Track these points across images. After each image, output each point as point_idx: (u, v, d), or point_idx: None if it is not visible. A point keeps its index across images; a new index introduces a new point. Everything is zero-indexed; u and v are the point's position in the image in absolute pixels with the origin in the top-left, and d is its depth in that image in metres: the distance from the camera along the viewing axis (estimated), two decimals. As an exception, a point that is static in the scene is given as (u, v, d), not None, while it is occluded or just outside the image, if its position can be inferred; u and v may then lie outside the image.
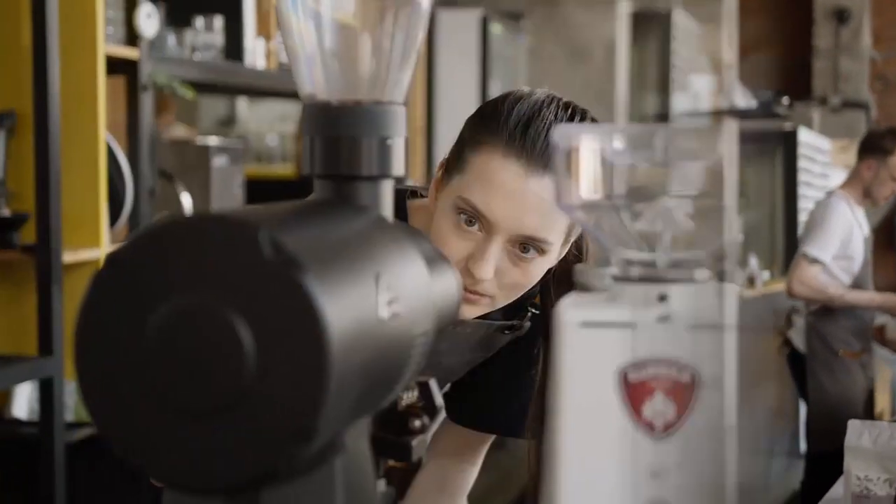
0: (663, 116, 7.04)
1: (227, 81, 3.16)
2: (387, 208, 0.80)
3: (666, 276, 0.69)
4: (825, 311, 4.29)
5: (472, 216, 1.20)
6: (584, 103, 1.32)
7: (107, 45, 2.58)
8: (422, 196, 1.38)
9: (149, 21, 2.65)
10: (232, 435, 0.60)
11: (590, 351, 0.68)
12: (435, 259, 0.86)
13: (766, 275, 5.90)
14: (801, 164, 6.77)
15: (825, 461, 4.15)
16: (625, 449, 0.66)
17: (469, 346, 1.37)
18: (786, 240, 6.90)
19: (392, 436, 0.77)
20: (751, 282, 5.73)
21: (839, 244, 4.17)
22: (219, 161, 3.04)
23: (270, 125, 5.59)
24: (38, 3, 2.36)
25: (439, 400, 0.80)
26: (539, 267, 1.23)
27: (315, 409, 0.59)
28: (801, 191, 6.80)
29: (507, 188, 1.19)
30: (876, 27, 9.70)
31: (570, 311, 0.69)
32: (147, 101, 2.68)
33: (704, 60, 7.41)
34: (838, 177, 8.07)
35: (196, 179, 3.05)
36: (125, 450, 0.62)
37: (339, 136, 0.78)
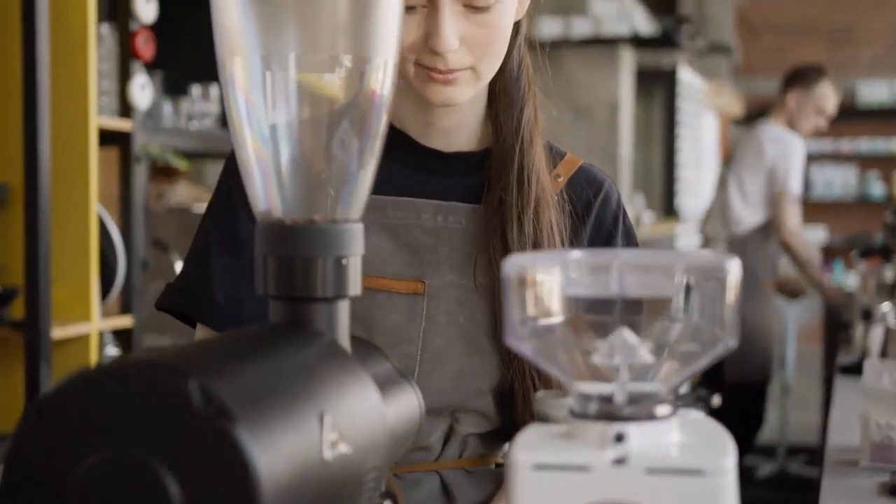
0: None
1: (223, 150, 3.16)
2: (342, 329, 0.77)
3: (624, 414, 0.66)
4: (749, 238, 4.30)
5: None
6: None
7: (100, 116, 2.57)
8: None
9: (143, 92, 2.64)
10: None
11: (543, 495, 0.65)
12: (393, 380, 0.83)
13: (650, 215, 6.00)
14: (679, 103, 6.88)
15: (741, 392, 4.14)
16: None
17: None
18: (664, 181, 6.96)
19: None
20: (637, 222, 5.79)
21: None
22: (215, 229, 3.01)
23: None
24: (29, 73, 2.36)
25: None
26: (504, 13, 1.14)
27: (242, 573, 0.56)
28: (677, 131, 6.93)
29: None
30: None
31: (523, 453, 0.66)
32: (140, 173, 2.67)
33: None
34: (710, 118, 8.19)
35: (193, 247, 3.02)
36: None
37: (293, 256, 0.76)
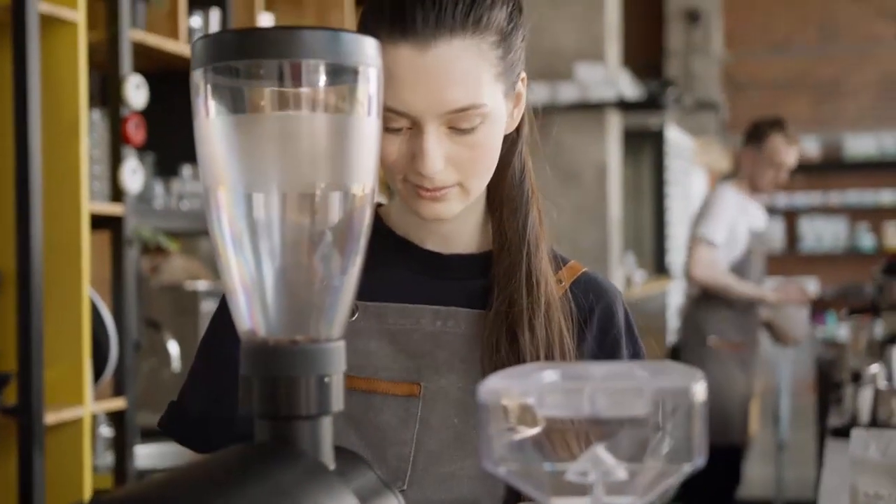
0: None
1: (215, 228, 3.17)
2: (326, 445, 0.79)
3: (598, 533, 0.69)
4: (703, 298, 4.29)
5: (392, 118, 1.11)
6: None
7: (92, 201, 2.60)
8: None
9: (134, 177, 2.68)
10: None
11: None
12: (377, 492, 0.85)
13: (641, 274, 6.02)
14: (667, 162, 6.94)
15: (713, 452, 4.11)
16: None
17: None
18: (655, 239, 7.00)
19: None
20: (628, 281, 5.80)
21: (727, 229, 4.23)
22: (207, 306, 3.05)
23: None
24: (22, 159, 2.39)
25: None
26: (491, 133, 1.14)
27: None
28: (666, 189, 6.98)
29: (406, 73, 1.09)
30: (727, 29, 9.95)
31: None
32: (132, 256, 2.70)
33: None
34: (699, 175, 8.27)
35: (187, 325, 3.06)
36: None
37: (276, 376, 0.78)
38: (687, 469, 0.69)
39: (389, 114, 1.11)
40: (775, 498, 5.36)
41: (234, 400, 1.18)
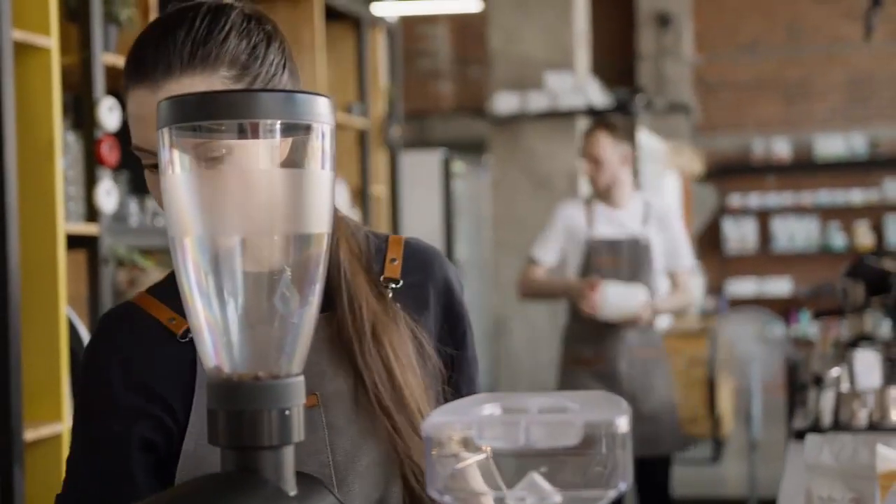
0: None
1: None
2: (287, 473, 0.86)
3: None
4: (568, 320, 4.25)
5: (145, 156, 1.18)
6: None
7: (67, 222, 2.65)
8: None
9: (108, 198, 2.74)
10: None
11: None
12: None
13: None
14: (639, 166, 7.02)
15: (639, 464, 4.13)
16: None
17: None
18: None
19: None
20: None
21: (559, 245, 4.16)
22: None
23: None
24: (-2, 182, 2.45)
25: None
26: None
27: None
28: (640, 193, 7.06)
29: (144, 112, 1.17)
30: (698, 32, 10.10)
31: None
32: (107, 274, 2.76)
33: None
34: (672, 178, 8.38)
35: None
36: None
37: (241, 410, 0.85)
38: (613, 493, 0.76)
39: (140, 153, 1.18)
40: (749, 496, 5.45)
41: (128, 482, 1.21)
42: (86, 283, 2.75)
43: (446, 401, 1.26)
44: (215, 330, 0.86)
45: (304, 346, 0.87)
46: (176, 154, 0.85)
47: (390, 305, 1.28)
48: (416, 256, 1.34)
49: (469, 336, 1.36)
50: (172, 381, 1.22)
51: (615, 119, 4.20)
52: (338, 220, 1.29)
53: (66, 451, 2.60)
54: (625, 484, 0.76)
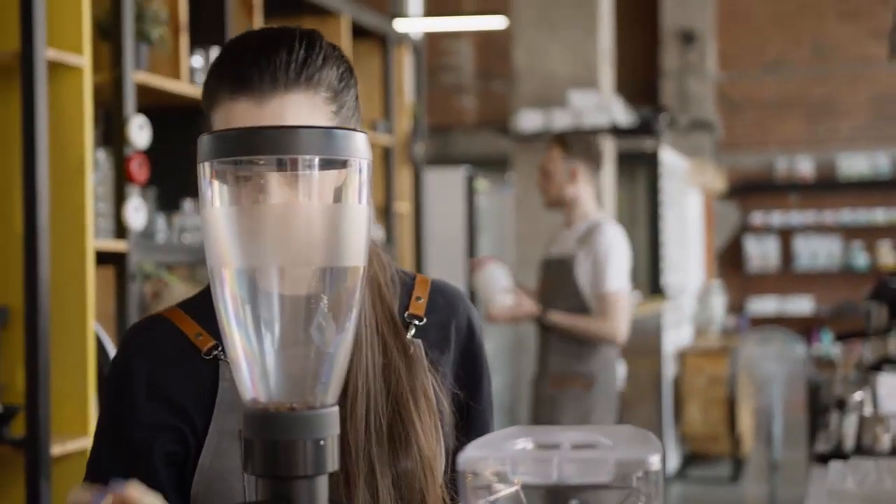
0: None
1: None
2: (321, 501, 0.87)
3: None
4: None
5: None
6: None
7: (97, 239, 2.68)
8: None
9: (137, 214, 2.77)
10: None
11: None
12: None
13: (636, 296, 6.05)
14: (662, 183, 7.00)
15: None
16: None
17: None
18: (650, 260, 7.06)
19: None
20: None
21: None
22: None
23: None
24: (29, 199, 2.48)
25: None
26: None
27: None
28: (661, 211, 7.04)
29: (245, 125, 1.16)
30: (721, 49, 10.07)
31: None
32: (135, 291, 2.78)
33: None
34: (695, 196, 8.36)
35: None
36: None
37: (276, 440, 0.86)
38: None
39: None
40: (770, 519, 5.43)
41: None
42: (113, 300, 2.78)
43: (456, 444, 1.27)
44: (252, 360, 0.88)
45: (338, 377, 0.89)
46: (216, 187, 0.87)
47: (410, 342, 1.28)
48: (441, 297, 1.34)
49: (485, 381, 1.35)
50: (194, 395, 1.23)
51: (574, 138, 4.15)
52: (372, 253, 1.29)
53: (91, 466, 2.62)
54: (658, 520, 0.77)
